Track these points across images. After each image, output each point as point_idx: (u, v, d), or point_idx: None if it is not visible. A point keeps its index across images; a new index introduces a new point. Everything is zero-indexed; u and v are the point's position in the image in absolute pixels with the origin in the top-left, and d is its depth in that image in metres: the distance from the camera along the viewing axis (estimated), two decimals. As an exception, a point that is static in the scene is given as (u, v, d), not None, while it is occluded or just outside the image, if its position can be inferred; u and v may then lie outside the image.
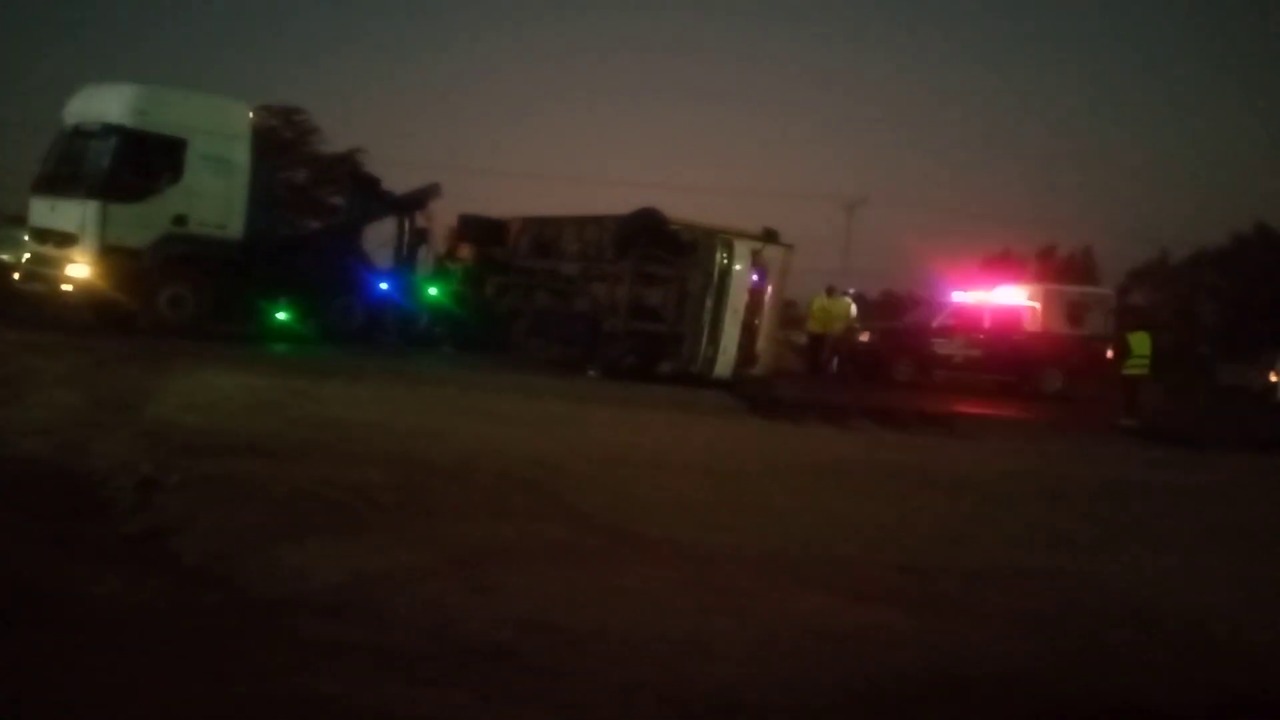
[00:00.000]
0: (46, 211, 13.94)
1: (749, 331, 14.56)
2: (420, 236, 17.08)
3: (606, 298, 15.20)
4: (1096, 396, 18.98)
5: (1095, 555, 6.91)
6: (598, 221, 15.85)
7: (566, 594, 4.95)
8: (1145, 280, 42.09)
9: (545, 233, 16.99)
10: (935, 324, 20.75)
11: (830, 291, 21.94)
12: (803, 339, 22.43)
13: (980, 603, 5.50)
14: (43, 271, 13.98)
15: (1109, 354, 19.68)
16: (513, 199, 55.90)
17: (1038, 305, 21.59)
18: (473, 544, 5.58)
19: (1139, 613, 5.59)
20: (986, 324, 20.51)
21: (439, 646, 4.23)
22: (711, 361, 14.39)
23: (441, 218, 17.42)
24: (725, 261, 14.31)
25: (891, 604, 5.30)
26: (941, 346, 20.16)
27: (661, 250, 14.78)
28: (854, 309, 21.83)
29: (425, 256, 17.29)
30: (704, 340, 14.32)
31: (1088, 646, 5.00)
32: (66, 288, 13.70)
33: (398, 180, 17.70)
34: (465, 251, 17.41)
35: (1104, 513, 8.48)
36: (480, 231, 17.44)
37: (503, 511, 6.38)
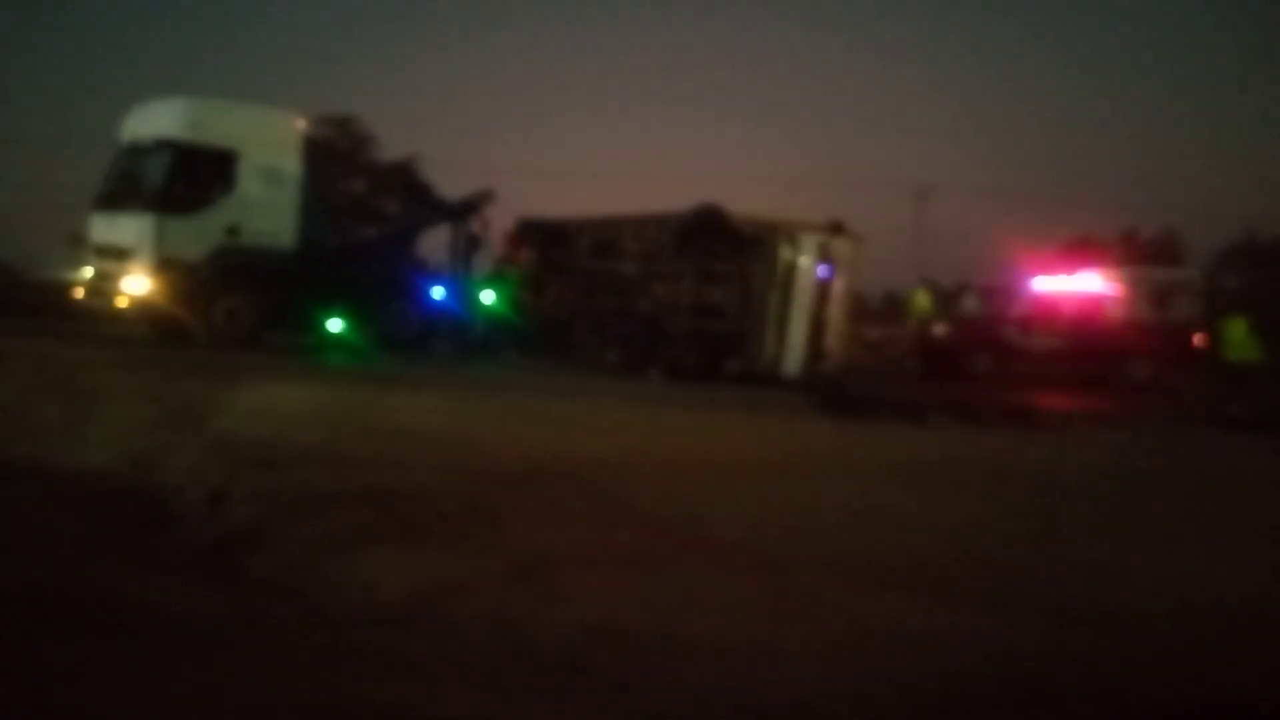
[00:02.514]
0: (105, 228, 14.18)
1: (817, 327, 14.30)
2: (475, 242, 17.11)
3: (668, 297, 15.07)
4: (1187, 385, 18.29)
5: (1191, 551, 6.53)
6: (657, 220, 15.73)
7: (636, 600, 4.82)
8: (1234, 262, 40.62)
9: (604, 233, 16.91)
10: (1013, 314, 20.23)
11: (926, 283, 21.74)
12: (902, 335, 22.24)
13: (1067, 603, 5.20)
14: (103, 287, 14.20)
15: (1199, 339, 18.98)
16: (572, 200, 56.18)
17: (1121, 291, 20.88)
18: (540, 551, 5.47)
19: (1243, 615, 5.22)
20: (1067, 312, 19.89)
21: (508, 656, 4.16)
22: (778, 359, 14.18)
23: (498, 222, 17.46)
24: (790, 256, 14.10)
25: (972, 606, 5.04)
26: (1020, 337, 19.61)
27: (723, 247, 14.62)
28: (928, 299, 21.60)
29: (480, 262, 17.32)
30: (770, 338, 14.11)
31: (1183, 650, 4.67)
32: (125, 302, 13.90)
33: (455, 185, 17.77)
34: (524, 255, 17.41)
35: (1202, 507, 8.05)
36: (538, 234, 17.45)
37: (569, 518, 6.27)
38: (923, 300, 21.98)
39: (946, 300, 22.51)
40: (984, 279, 23.26)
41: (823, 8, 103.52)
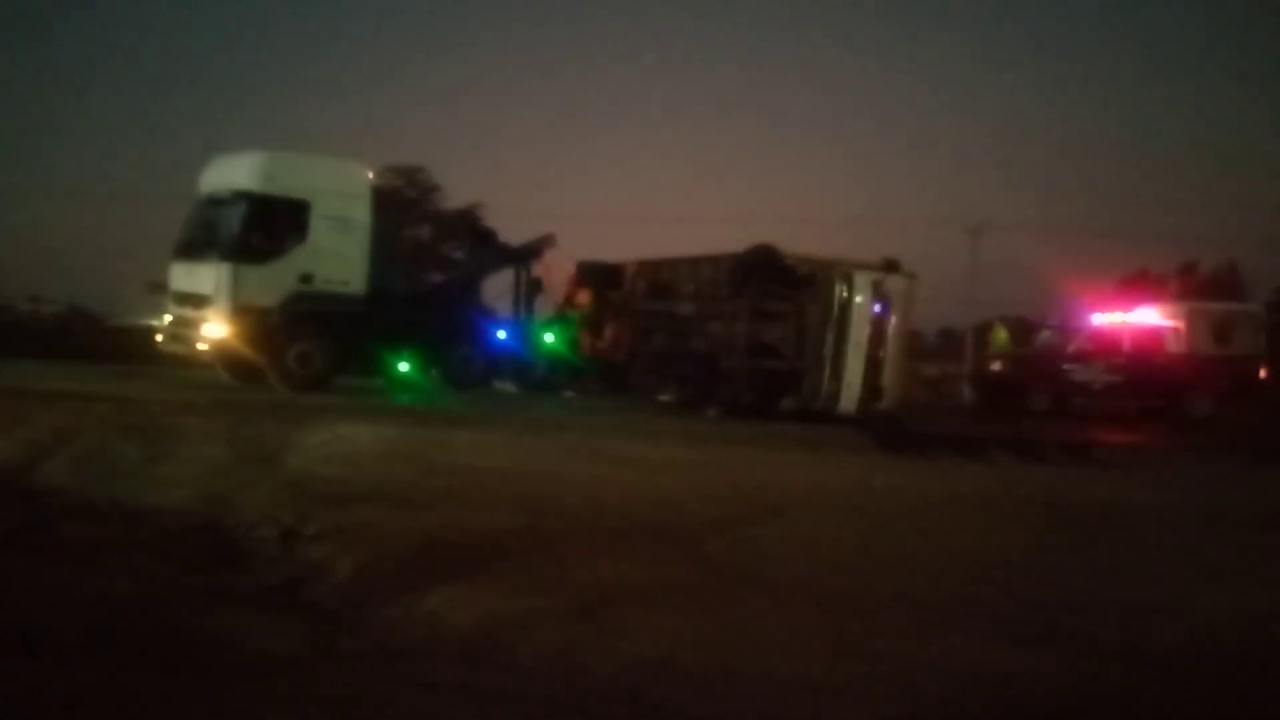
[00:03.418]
0: (184, 276, 14.65)
1: (874, 365, 14.24)
2: (537, 285, 17.44)
3: (724, 336, 15.13)
4: (1251, 420, 17.81)
5: (1263, 590, 6.40)
6: (713, 260, 15.85)
7: (694, 637, 4.83)
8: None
9: (661, 274, 17.07)
10: (1072, 349, 19.92)
11: (1004, 321, 21.65)
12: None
13: (1135, 643, 5.14)
14: (182, 333, 14.69)
15: (1263, 373, 18.52)
16: (630, 243, 56.58)
17: (1181, 325, 20.49)
18: (600, 587, 5.54)
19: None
20: (1127, 347, 19.58)
21: (569, 690, 4.22)
22: (835, 397, 14.12)
23: (560, 265, 17.74)
24: (845, 294, 14.08)
25: (1034, 645, 4.99)
26: (1079, 372, 19.32)
27: (778, 285, 14.67)
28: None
29: (542, 304, 17.62)
30: (826, 375, 14.07)
31: (1258, 693, 4.60)
32: (203, 347, 14.35)
33: (517, 231, 18.16)
34: (583, 297, 17.66)
35: (1260, 544, 7.87)
36: (597, 277, 17.67)
37: (628, 555, 6.32)
38: (1003, 336, 21.83)
39: (1026, 336, 22.34)
40: (1060, 315, 23.00)
41: (878, 49, 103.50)
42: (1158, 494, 10.29)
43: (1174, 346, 19.97)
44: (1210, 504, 9.80)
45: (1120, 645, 5.06)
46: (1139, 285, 33.31)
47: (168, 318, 15.19)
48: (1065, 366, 19.42)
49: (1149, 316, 21.13)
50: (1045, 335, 21.85)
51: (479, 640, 4.78)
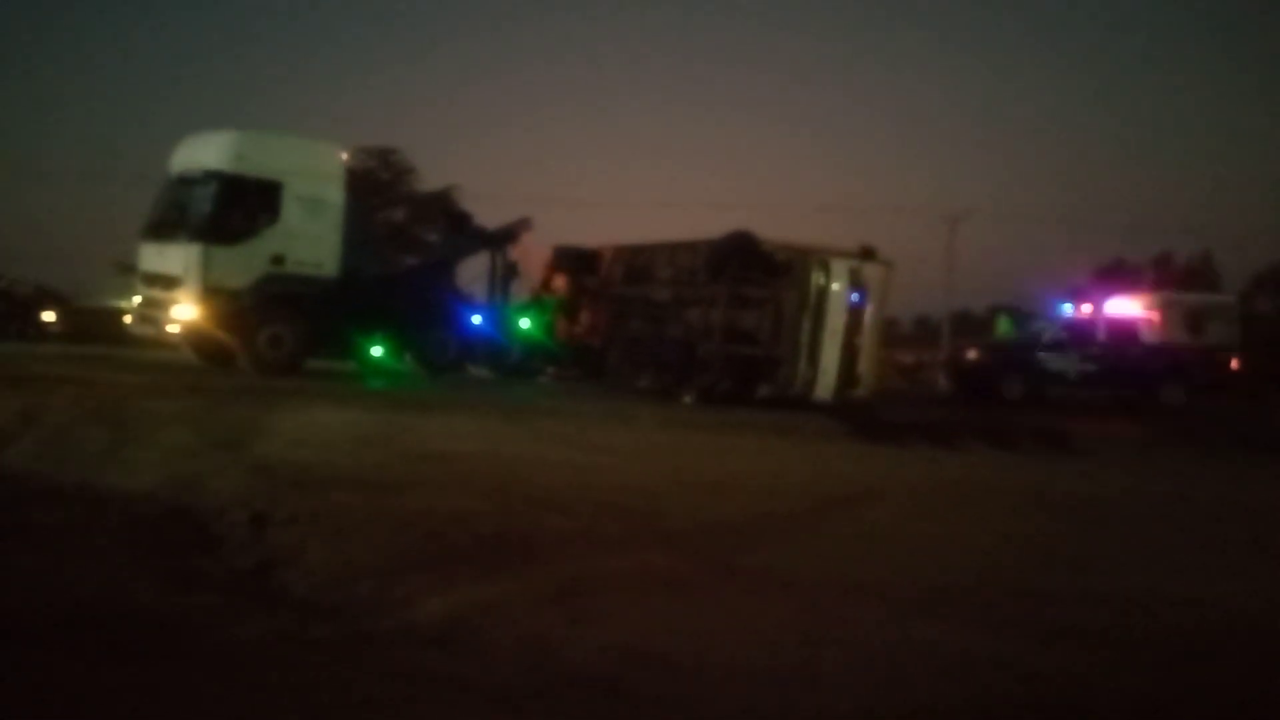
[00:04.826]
0: (154, 256, 14.49)
1: (850, 352, 14.29)
2: (512, 270, 17.34)
3: (700, 322, 15.12)
4: (1223, 410, 18.02)
5: (1231, 579, 6.46)
6: (690, 246, 15.82)
7: (669, 624, 4.83)
8: (1271, 286, 40.00)
9: (638, 260, 17.03)
10: (1046, 338, 20.06)
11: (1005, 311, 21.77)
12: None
13: (1108, 631, 5.17)
14: (151, 314, 14.52)
15: (1235, 364, 18.74)
16: (607, 228, 56.46)
17: (1156, 316, 20.68)
18: (573, 574, 5.52)
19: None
20: (1101, 337, 19.73)
21: (542, 678, 4.18)
22: (811, 384, 14.16)
23: (536, 250, 17.65)
24: (822, 281, 14.10)
25: (1010, 633, 5.01)
26: (1053, 362, 19.46)
27: (755, 272, 14.66)
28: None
29: (517, 289, 17.53)
30: (802, 362, 14.10)
31: (1228, 681, 4.63)
32: (173, 329, 14.20)
33: (493, 214, 18.03)
34: (559, 282, 17.58)
35: (1236, 534, 7.96)
36: (573, 262, 17.60)
37: (602, 541, 6.31)
38: (1005, 326, 21.93)
39: (1027, 325, 22.45)
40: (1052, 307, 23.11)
41: (855, 35, 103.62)
42: (1132, 481, 10.41)
43: (1148, 337, 20.16)
44: (1180, 493, 9.91)
45: (1101, 633, 5.09)
46: (1114, 275, 33.65)
47: (136, 298, 14.98)
48: (1040, 355, 19.55)
49: (1124, 306, 21.32)
50: (1042, 326, 21.75)
51: (451, 627, 4.73)
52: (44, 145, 74.51)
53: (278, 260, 14.22)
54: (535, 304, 17.50)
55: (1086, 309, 21.02)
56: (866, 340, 14.62)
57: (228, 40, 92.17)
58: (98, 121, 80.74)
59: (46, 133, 75.39)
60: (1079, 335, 19.80)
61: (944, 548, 6.86)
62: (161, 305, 14.22)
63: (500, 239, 17.19)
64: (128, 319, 15.58)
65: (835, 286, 14.14)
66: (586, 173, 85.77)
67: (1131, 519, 8.29)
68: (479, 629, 4.70)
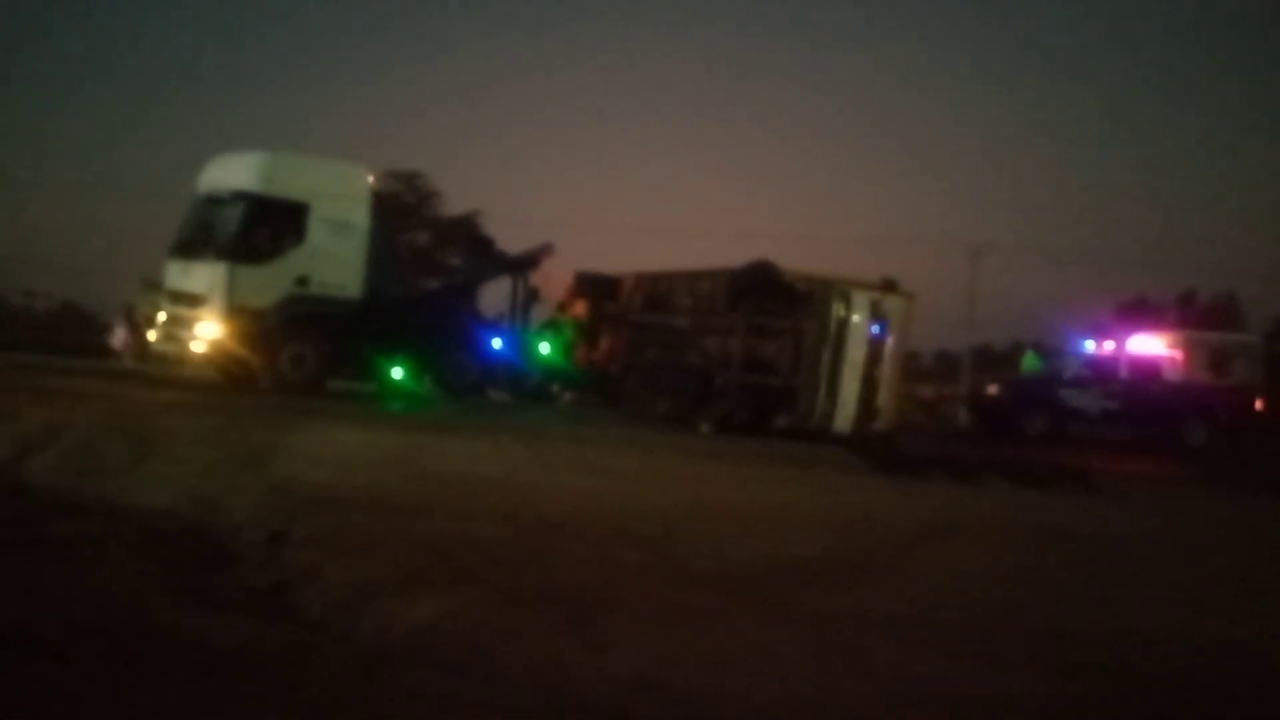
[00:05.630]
0: (180, 274, 14.57)
1: (869, 384, 14.22)
2: (533, 294, 17.40)
3: (719, 351, 15.10)
4: (1246, 450, 17.80)
5: (1254, 621, 6.37)
6: (711, 275, 15.83)
7: (681, 652, 4.83)
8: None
9: (658, 287, 17.04)
10: (1068, 375, 19.93)
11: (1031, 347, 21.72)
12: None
13: (1127, 670, 5.11)
14: (176, 332, 14.60)
15: (1259, 404, 18.54)
16: (629, 254, 56.64)
17: (1179, 354, 20.50)
18: (587, 600, 5.51)
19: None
20: (1124, 374, 19.59)
21: (553, 703, 4.19)
22: (829, 416, 14.08)
23: (558, 275, 17.71)
24: (842, 312, 14.06)
25: (1027, 670, 4.98)
26: (1075, 398, 19.30)
27: (775, 302, 14.65)
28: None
29: (539, 314, 17.59)
30: (821, 394, 14.03)
31: (1226, 711, 4.57)
32: (197, 347, 14.27)
33: (515, 239, 18.16)
34: (580, 308, 17.63)
35: (1259, 575, 7.85)
36: (594, 288, 17.65)
37: (617, 568, 6.30)
38: (1032, 361, 21.82)
39: (1053, 361, 22.34)
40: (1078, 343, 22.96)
41: (881, 68, 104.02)
42: (1153, 521, 10.28)
43: (1171, 375, 19.99)
44: (1203, 533, 9.78)
45: (1121, 671, 5.04)
46: (1137, 312, 33.44)
47: (161, 316, 15.11)
48: (1062, 392, 19.40)
49: (1147, 344, 21.15)
50: (1066, 362, 21.54)
51: (464, 650, 4.73)
52: (82, 161, 75.73)
53: (302, 281, 14.31)
54: (555, 329, 17.54)
55: (1109, 346, 20.85)
56: (887, 373, 14.55)
57: (260, 61, 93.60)
58: (126, 138, 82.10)
59: (87, 149, 76.72)
60: (1101, 372, 19.66)
61: (963, 582, 6.81)
62: (186, 323, 14.31)
63: (522, 264, 17.26)
64: (151, 336, 15.67)
65: (856, 318, 14.10)
66: (610, 199, 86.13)
67: (1157, 558, 8.18)
68: (492, 652, 4.71)
